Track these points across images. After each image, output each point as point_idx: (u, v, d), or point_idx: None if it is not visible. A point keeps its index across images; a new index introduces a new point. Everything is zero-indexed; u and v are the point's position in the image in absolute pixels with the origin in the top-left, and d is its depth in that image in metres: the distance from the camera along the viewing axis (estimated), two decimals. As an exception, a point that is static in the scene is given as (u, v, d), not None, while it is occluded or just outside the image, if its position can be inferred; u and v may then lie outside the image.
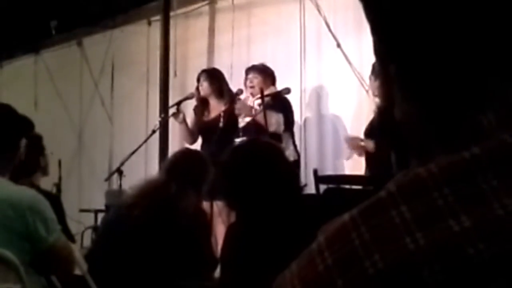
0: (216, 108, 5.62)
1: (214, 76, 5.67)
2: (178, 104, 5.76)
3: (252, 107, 5.28)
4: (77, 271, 3.14)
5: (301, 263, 0.49)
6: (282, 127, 5.23)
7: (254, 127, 5.20)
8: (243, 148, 2.63)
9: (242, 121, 5.41)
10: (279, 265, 0.54)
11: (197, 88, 5.70)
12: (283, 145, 5.21)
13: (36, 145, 3.74)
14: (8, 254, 2.57)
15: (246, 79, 5.47)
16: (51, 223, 2.69)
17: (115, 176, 5.96)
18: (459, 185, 0.46)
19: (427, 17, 0.53)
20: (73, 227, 4.74)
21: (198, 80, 5.71)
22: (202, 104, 5.70)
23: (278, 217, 2.32)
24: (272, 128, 5.12)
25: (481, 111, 0.51)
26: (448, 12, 0.52)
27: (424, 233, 0.45)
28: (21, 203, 2.63)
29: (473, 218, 0.45)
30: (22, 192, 2.78)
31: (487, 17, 0.51)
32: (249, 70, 5.49)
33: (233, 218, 5.18)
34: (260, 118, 5.11)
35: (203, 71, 5.82)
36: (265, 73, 5.40)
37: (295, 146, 5.38)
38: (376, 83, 4.76)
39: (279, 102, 5.28)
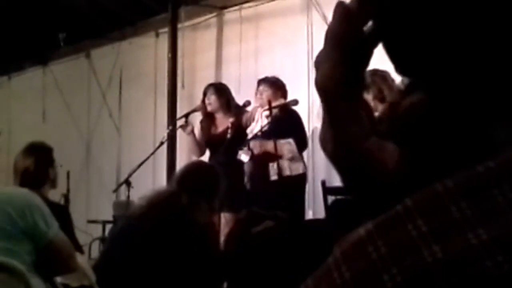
0: (223, 121, 5.62)
1: (221, 90, 5.68)
2: (186, 116, 5.76)
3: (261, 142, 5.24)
4: (86, 282, 3.15)
5: (318, 278, 0.49)
6: (296, 153, 5.22)
7: (266, 155, 5.20)
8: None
9: (251, 133, 5.42)
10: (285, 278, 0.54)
11: (203, 102, 5.71)
12: (291, 159, 5.22)
13: (46, 157, 3.75)
14: (15, 263, 2.59)
15: (257, 90, 5.49)
16: (49, 218, 2.73)
17: (123, 187, 5.97)
18: (476, 199, 0.47)
19: (442, 32, 0.53)
20: (81, 238, 4.75)
21: (205, 94, 5.71)
22: (208, 118, 5.71)
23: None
24: (286, 158, 5.14)
25: (492, 124, 0.51)
26: (462, 24, 0.52)
27: (442, 246, 0.45)
28: (18, 200, 2.68)
29: (491, 231, 0.45)
30: (17, 191, 2.91)
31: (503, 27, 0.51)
32: (260, 81, 5.50)
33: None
34: (270, 147, 5.11)
35: (210, 85, 5.82)
36: (276, 86, 5.41)
37: (302, 158, 5.38)
38: (370, 96, 4.79)
39: (287, 116, 5.28)
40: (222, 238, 4.97)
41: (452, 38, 0.53)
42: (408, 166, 0.58)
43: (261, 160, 5.29)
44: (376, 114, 4.81)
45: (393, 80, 4.65)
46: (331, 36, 0.68)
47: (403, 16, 0.56)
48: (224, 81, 6.17)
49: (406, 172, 0.59)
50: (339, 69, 0.68)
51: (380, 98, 4.75)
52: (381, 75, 4.64)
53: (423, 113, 0.55)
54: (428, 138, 0.55)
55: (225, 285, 3.28)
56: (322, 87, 0.69)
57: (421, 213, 0.47)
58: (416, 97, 0.57)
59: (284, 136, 5.18)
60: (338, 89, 0.68)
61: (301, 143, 5.27)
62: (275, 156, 5.09)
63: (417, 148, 0.56)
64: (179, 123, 5.87)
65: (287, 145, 5.16)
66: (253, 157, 5.26)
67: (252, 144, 5.26)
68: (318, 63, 0.71)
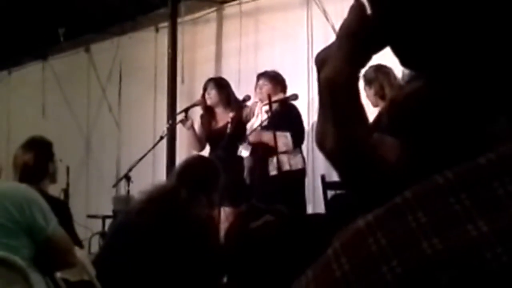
0: (223, 116, 5.63)
1: (221, 85, 5.69)
2: (186, 110, 5.77)
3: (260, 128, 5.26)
4: (85, 277, 3.15)
5: (317, 269, 0.49)
6: (291, 147, 5.23)
7: (262, 147, 5.21)
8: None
9: (250, 127, 5.42)
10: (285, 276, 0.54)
11: (203, 96, 5.71)
12: (291, 154, 5.22)
13: (46, 151, 3.75)
14: (15, 258, 2.60)
15: (256, 84, 5.49)
16: (48, 213, 2.73)
17: (123, 182, 5.97)
18: (476, 191, 0.46)
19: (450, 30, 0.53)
20: (81, 233, 4.75)
21: (205, 88, 5.72)
22: (208, 113, 5.71)
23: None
24: (281, 150, 5.15)
25: (493, 117, 0.51)
26: (471, 22, 0.52)
27: (441, 238, 0.45)
28: (17, 195, 2.69)
29: (490, 223, 0.45)
30: (15, 186, 2.91)
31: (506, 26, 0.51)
32: (260, 75, 5.51)
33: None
34: (267, 138, 5.12)
35: (210, 79, 5.83)
36: (275, 80, 5.42)
37: (301, 153, 5.38)
38: (372, 91, 4.77)
39: (286, 110, 5.29)
40: (222, 233, 4.98)
41: (455, 30, 0.53)
42: (409, 157, 0.58)
43: (259, 153, 5.29)
44: (377, 109, 4.80)
45: (395, 78, 4.64)
46: (345, 32, 0.68)
47: (407, 8, 0.56)
48: (224, 76, 6.17)
49: (407, 164, 0.58)
50: (350, 64, 0.68)
51: (381, 94, 4.74)
52: (384, 71, 4.62)
53: (423, 101, 0.55)
54: (428, 127, 0.55)
55: (225, 279, 3.28)
56: (331, 81, 0.68)
57: (421, 205, 0.47)
58: (416, 85, 0.56)
59: (282, 129, 5.19)
60: (347, 84, 0.68)
61: (298, 138, 5.28)
62: (272, 148, 5.09)
63: (417, 138, 0.56)
64: (179, 117, 5.87)
65: (283, 138, 5.17)
66: (250, 147, 5.26)
67: (251, 135, 5.28)
68: (324, 59, 0.71)
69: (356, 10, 0.67)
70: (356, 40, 0.67)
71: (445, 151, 0.55)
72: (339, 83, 0.68)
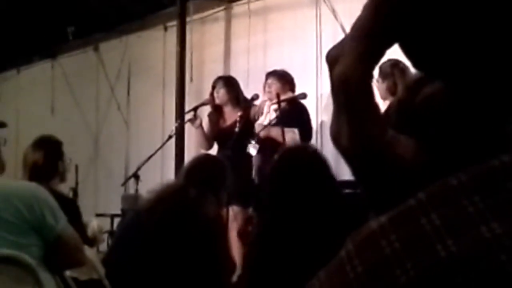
0: (231, 115, 5.63)
1: (230, 84, 5.69)
2: (195, 109, 5.78)
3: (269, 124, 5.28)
4: (95, 276, 3.16)
5: (330, 271, 0.49)
6: (298, 142, 5.23)
7: (270, 142, 5.22)
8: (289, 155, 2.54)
9: (259, 126, 5.42)
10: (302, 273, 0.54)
11: (212, 95, 5.72)
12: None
13: (55, 150, 3.76)
14: (24, 256, 2.60)
15: (265, 83, 5.50)
16: (57, 211, 2.73)
17: (132, 180, 5.98)
18: (489, 192, 0.46)
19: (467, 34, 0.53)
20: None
21: (213, 87, 5.72)
22: (217, 111, 5.72)
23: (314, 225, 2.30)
24: (288, 144, 5.16)
25: (506, 118, 0.51)
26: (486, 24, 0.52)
27: (456, 240, 0.44)
28: (26, 194, 2.68)
29: (505, 224, 0.44)
30: (25, 184, 2.92)
31: None
32: (269, 74, 5.51)
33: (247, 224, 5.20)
34: (276, 133, 5.13)
35: (219, 78, 5.83)
36: (284, 79, 5.42)
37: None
38: (384, 85, 4.75)
39: (295, 108, 5.29)
40: (230, 232, 4.99)
41: (469, 34, 0.53)
42: (426, 158, 0.58)
43: (267, 151, 5.29)
44: (386, 103, 4.77)
45: (411, 75, 4.60)
46: (360, 32, 0.68)
47: (420, 13, 0.55)
48: (232, 75, 6.17)
49: (423, 165, 0.58)
50: (364, 62, 0.67)
51: (393, 91, 4.72)
52: (401, 68, 4.58)
53: (440, 105, 0.55)
54: (445, 130, 0.55)
55: (234, 278, 3.28)
56: (344, 79, 0.68)
57: (435, 207, 0.46)
58: (433, 88, 0.56)
59: (290, 126, 5.19)
60: (361, 82, 0.68)
61: (306, 135, 5.28)
62: (280, 145, 5.09)
63: (435, 140, 0.56)
64: (188, 116, 5.88)
65: (290, 133, 5.18)
66: (259, 142, 5.27)
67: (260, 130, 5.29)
68: (336, 57, 0.70)
69: (371, 8, 0.66)
70: (370, 39, 0.67)
71: (462, 152, 0.55)
72: (352, 81, 0.68)
